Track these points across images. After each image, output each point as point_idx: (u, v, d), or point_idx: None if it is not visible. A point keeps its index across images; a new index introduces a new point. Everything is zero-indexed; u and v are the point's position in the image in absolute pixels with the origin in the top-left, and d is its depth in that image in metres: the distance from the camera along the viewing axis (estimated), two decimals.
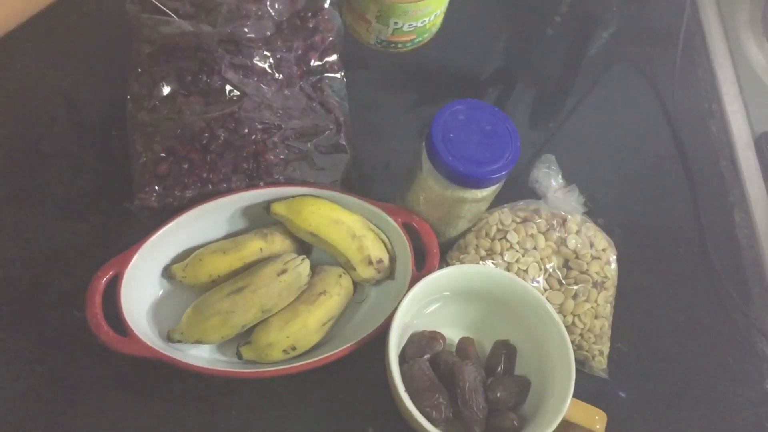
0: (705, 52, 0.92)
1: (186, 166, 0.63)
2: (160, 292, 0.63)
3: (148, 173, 0.63)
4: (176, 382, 0.60)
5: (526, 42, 0.91)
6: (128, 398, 0.60)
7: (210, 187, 0.63)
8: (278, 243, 0.64)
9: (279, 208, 0.63)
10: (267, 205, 0.63)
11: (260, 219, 0.65)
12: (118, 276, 0.58)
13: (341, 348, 0.59)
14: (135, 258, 0.59)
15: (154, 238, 0.60)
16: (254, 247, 0.62)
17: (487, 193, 0.61)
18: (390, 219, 0.64)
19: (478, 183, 0.59)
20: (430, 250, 0.64)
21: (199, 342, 0.59)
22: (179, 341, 0.59)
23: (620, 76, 0.90)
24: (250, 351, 0.60)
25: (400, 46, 0.64)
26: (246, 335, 0.61)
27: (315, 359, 0.58)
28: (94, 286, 0.57)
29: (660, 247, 0.77)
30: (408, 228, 0.65)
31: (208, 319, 0.58)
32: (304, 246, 0.66)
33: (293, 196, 0.64)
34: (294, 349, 0.60)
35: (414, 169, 0.64)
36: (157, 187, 0.63)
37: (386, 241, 0.65)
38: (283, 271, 0.60)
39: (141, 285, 0.60)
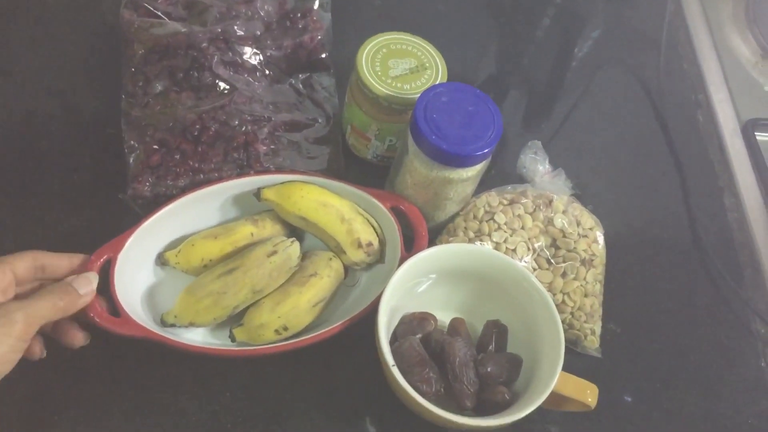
0: (689, 45, 0.94)
1: (178, 156, 0.65)
2: (154, 279, 0.64)
3: (141, 164, 0.65)
4: (171, 366, 0.61)
5: (516, 46, 0.93)
6: (123, 383, 0.60)
7: (201, 176, 0.65)
8: (269, 228, 0.65)
9: (269, 194, 0.64)
10: (257, 192, 0.64)
11: (251, 207, 0.66)
12: (112, 260, 0.59)
13: (333, 326, 0.59)
14: (128, 243, 0.60)
15: (147, 223, 0.61)
16: (245, 231, 0.63)
17: (472, 172, 0.62)
18: (379, 203, 0.65)
19: (462, 161, 0.61)
20: (419, 233, 0.65)
21: (192, 324, 0.60)
22: (173, 324, 0.60)
23: (608, 72, 0.92)
24: (243, 332, 0.60)
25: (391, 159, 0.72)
26: (238, 318, 0.62)
27: (306, 337, 0.59)
28: (88, 270, 0.58)
29: (650, 232, 0.78)
30: (397, 212, 0.66)
31: (200, 300, 0.59)
32: (294, 232, 0.67)
33: (283, 183, 0.65)
34: (286, 329, 0.60)
35: (401, 154, 0.65)
36: (150, 178, 0.64)
37: (375, 225, 0.66)
38: (273, 253, 0.61)
39: (134, 270, 0.61)
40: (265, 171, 0.66)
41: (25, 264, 0.54)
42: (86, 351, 0.60)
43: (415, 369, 0.58)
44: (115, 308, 0.58)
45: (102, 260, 0.59)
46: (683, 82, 0.91)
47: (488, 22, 0.94)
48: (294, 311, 0.60)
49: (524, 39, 0.94)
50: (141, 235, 0.61)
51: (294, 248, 0.62)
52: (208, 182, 0.64)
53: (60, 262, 0.57)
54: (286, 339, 0.61)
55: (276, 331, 0.60)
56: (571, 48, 0.95)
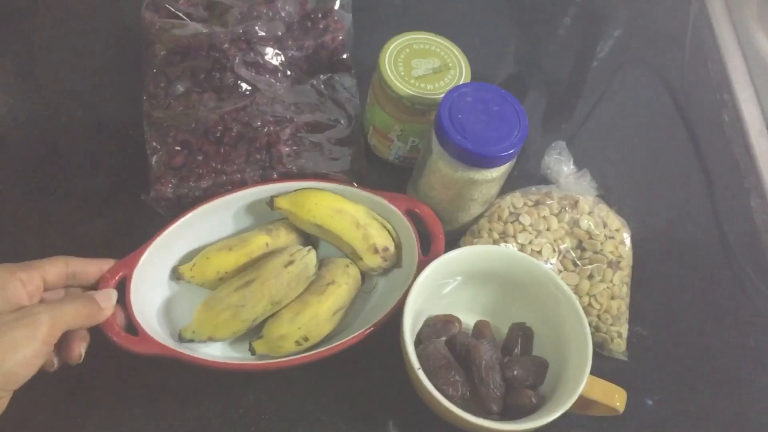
0: (714, 44, 0.93)
1: (200, 157, 0.65)
2: (169, 294, 0.63)
3: (164, 165, 0.64)
4: (192, 374, 0.59)
5: (536, 46, 0.93)
6: (144, 399, 0.59)
7: (224, 177, 0.64)
8: (283, 237, 0.64)
9: (282, 202, 0.63)
10: (270, 201, 0.63)
11: (264, 215, 0.65)
12: (127, 278, 0.58)
13: (355, 334, 0.58)
14: (142, 259, 0.59)
15: (160, 239, 0.60)
16: (260, 242, 0.62)
17: (497, 173, 0.62)
18: (392, 207, 0.65)
19: (488, 162, 0.60)
20: (436, 235, 0.64)
21: (211, 339, 0.59)
22: (191, 340, 0.59)
23: (631, 71, 0.91)
24: (263, 345, 0.59)
25: (413, 161, 0.71)
26: (257, 331, 0.60)
27: (329, 347, 0.58)
28: (103, 288, 0.57)
29: (676, 233, 0.77)
30: (412, 215, 0.65)
31: (218, 314, 0.58)
32: (309, 240, 0.67)
33: (295, 190, 0.64)
34: (306, 339, 0.59)
35: (425, 154, 0.64)
36: (172, 179, 0.64)
37: (390, 229, 0.65)
38: (290, 263, 0.60)
39: (150, 286, 0.60)
40: (276, 179, 0.65)
41: (56, 270, 0.54)
42: (106, 359, 0.58)
43: (441, 372, 0.57)
44: (132, 326, 0.57)
45: (117, 278, 0.58)
46: (708, 82, 0.90)
47: (508, 21, 0.94)
48: (314, 321, 0.59)
49: (545, 38, 0.93)
50: (155, 250, 0.60)
51: (311, 257, 0.61)
52: (220, 193, 0.63)
53: (90, 268, 0.56)
54: (307, 349, 0.60)
55: (296, 342, 0.59)
56: (593, 47, 0.94)
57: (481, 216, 0.68)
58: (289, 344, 0.59)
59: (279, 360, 0.59)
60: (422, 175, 0.66)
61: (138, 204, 0.64)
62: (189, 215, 0.62)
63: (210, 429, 0.59)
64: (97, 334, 0.55)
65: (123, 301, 0.57)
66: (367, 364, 0.63)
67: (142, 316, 0.58)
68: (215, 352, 0.61)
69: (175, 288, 0.63)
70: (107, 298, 0.55)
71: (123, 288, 0.58)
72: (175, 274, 0.62)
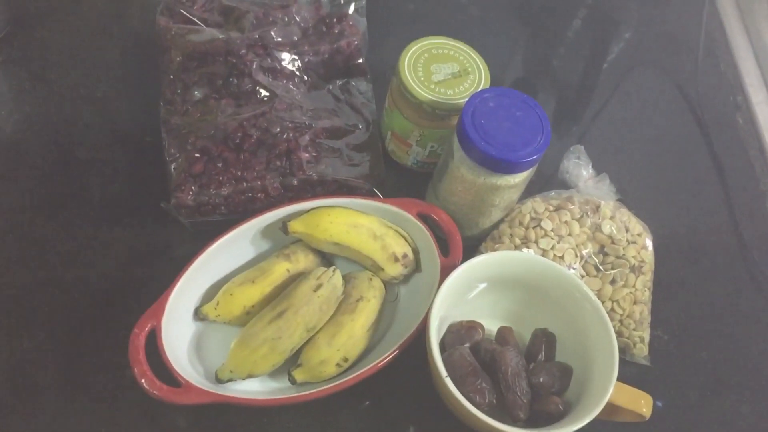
0: (726, 46, 0.93)
1: (220, 164, 0.64)
2: (193, 335, 0.61)
3: (184, 173, 0.64)
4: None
5: (547, 48, 0.93)
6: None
7: (245, 184, 0.64)
8: (302, 260, 0.63)
9: (296, 226, 0.62)
10: (283, 226, 0.63)
11: (276, 240, 0.65)
12: (156, 329, 0.56)
13: (395, 346, 0.58)
14: (167, 307, 0.57)
15: (180, 283, 0.59)
16: (280, 269, 0.62)
17: (519, 179, 0.61)
18: (405, 213, 0.64)
19: (511, 167, 0.60)
20: (452, 235, 0.64)
21: (250, 376, 0.58)
22: (230, 380, 0.58)
23: (643, 74, 0.91)
24: (303, 372, 0.59)
25: (432, 166, 0.71)
26: (293, 359, 0.60)
27: (374, 363, 0.57)
28: (135, 344, 0.55)
29: (693, 237, 0.77)
30: (426, 220, 0.65)
31: (255, 350, 0.57)
32: (326, 258, 0.66)
33: (307, 210, 0.63)
34: (346, 360, 0.59)
35: (446, 159, 0.64)
36: (193, 186, 0.63)
37: (406, 235, 0.65)
38: (319, 286, 0.59)
39: (177, 333, 0.59)
40: (282, 204, 0.64)
41: None
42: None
43: (468, 379, 0.57)
44: (169, 376, 0.55)
45: (147, 330, 0.56)
46: (721, 85, 0.90)
47: (519, 24, 0.94)
48: (351, 341, 0.59)
49: (555, 40, 0.93)
50: (177, 295, 0.59)
51: (337, 277, 0.61)
52: (230, 226, 0.62)
53: None
54: (346, 369, 0.60)
55: (337, 364, 0.59)
56: (604, 50, 0.94)
57: (501, 221, 0.67)
58: (330, 368, 0.59)
59: (333, 384, 0.57)
60: (442, 180, 0.65)
61: (158, 211, 0.64)
62: (204, 254, 0.60)
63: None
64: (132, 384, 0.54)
65: (155, 352, 0.55)
66: (389, 370, 0.62)
67: (179, 365, 0.56)
68: (254, 385, 0.60)
69: (198, 328, 0.62)
70: None
71: (154, 340, 0.56)
72: (199, 315, 0.61)
